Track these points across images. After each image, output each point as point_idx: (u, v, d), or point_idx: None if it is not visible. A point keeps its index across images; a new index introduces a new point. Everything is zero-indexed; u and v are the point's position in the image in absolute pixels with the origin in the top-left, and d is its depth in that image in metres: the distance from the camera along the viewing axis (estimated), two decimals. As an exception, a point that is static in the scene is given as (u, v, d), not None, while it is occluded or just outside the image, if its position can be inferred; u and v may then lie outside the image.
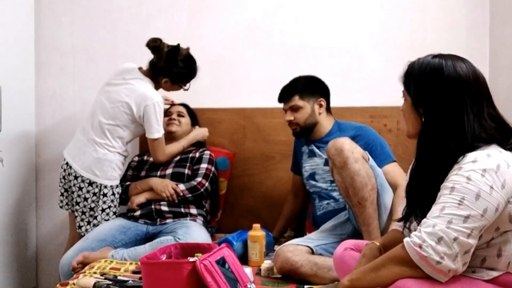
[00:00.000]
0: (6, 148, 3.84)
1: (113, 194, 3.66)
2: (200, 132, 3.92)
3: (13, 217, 3.98)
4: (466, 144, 1.90)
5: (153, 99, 3.57)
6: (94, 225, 3.60)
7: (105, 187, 3.62)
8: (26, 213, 4.18)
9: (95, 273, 2.93)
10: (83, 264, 3.19)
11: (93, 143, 3.61)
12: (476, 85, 1.97)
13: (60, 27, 4.34)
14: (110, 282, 2.68)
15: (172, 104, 4.01)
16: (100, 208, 3.60)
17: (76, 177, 3.61)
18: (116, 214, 3.70)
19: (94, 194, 3.60)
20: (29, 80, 4.24)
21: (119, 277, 2.80)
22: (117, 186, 3.69)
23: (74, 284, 2.74)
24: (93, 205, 3.61)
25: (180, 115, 3.92)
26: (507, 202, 1.83)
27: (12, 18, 3.94)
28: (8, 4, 3.86)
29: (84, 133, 3.68)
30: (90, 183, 3.60)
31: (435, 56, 2.05)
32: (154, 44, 3.64)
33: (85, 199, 3.61)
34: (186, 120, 3.93)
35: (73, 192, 3.64)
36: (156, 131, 3.59)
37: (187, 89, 3.83)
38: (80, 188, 3.61)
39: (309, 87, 3.45)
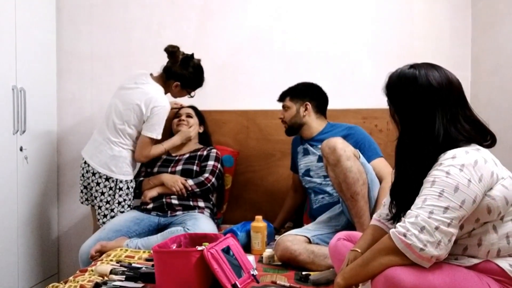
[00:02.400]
0: (30, 146, 3.85)
1: (128, 188, 3.68)
2: (182, 135, 3.86)
3: (36, 210, 3.99)
4: (441, 148, 1.91)
5: (163, 104, 3.61)
6: (112, 217, 3.62)
7: (121, 181, 3.64)
8: (49, 206, 4.19)
9: (111, 260, 2.95)
10: (101, 252, 3.21)
11: (109, 142, 3.64)
12: (449, 91, 1.98)
13: (79, 36, 4.34)
14: (125, 269, 2.69)
15: (181, 107, 4.01)
16: (116, 201, 3.62)
17: (93, 174, 3.64)
18: (131, 206, 3.72)
19: (111, 188, 3.63)
20: (51, 84, 4.24)
21: (133, 264, 2.81)
22: (131, 181, 3.71)
23: (92, 270, 2.75)
24: (109, 198, 3.63)
25: (188, 116, 3.93)
26: (484, 195, 1.84)
27: (36, 28, 3.95)
28: (31, 15, 3.87)
29: (100, 133, 3.70)
30: (107, 179, 3.62)
31: (411, 67, 2.06)
32: (173, 50, 3.66)
33: (103, 193, 3.63)
34: (194, 121, 3.93)
35: (91, 188, 3.67)
36: (155, 132, 3.61)
37: (192, 96, 3.85)
38: (98, 184, 3.64)
39: (301, 92, 3.51)
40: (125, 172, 3.66)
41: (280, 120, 3.56)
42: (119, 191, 3.64)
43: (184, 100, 4.05)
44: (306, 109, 3.45)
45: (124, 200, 3.66)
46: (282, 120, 3.53)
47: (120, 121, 3.64)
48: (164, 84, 3.73)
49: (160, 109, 3.59)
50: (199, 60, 3.77)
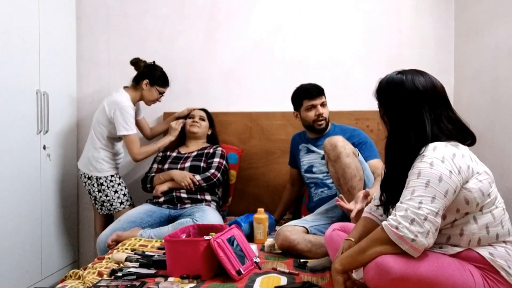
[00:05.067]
0: (52, 145, 3.86)
1: (111, 181, 3.80)
2: (174, 133, 3.91)
3: (58, 203, 3.99)
4: (425, 143, 1.92)
5: (120, 104, 3.66)
6: (104, 209, 3.81)
7: (100, 178, 3.77)
8: (69, 199, 4.19)
9: (126, 249, 2.95)
10: (117, 241, 3.23)
11: (88, 145, 3.82)
12: (433, 95, 1.99)
13: (97, 45, 4.35)
14: (139, 257, 2.70)
15: (194, 109, 4.02)
16: (102, 195, 3.78)
17: (80, 175, 3.86)
18: (125, 197, 3.86)
19: (92, 185, 3.78)
20: (71, 88, 4.24)
21: (146, 253, 2.82)
22: (112, 176, 3.81)
23: (109, 258, 2.76)
24: (94, 194, 3.80)
25: (201, 118, 3.94)
26: (461, 187, 1.85)
27: (57, 37, 3.95)
28: (53, 25, 3.87)
29: None
30: (89, 177, 3.79)
31: (399, 73, 2.06)
32: (135, 61, 3.84)
33: (89, 192, 3.84)
34: (205, 124, 3.95)
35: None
36: (124, 129, 3.65)
37: (162, 94, 3.88)
38: (85, 183, 3.83)
39: (324, 93, 3.43)
40: (100, 169, 3.78)
41: (318, 116, 3.34)
42: (100, 186, 3.76)
43: (196, 102, 4.12)
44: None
45: (115, 191, 3.80)
46: (321, 116, 3.35)
47: (96, 124, 3.78)
48: (135, 90, 3.82)
49: (121, 110, 3.64)
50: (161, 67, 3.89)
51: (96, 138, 3.76)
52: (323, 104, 3.37)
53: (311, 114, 3.36)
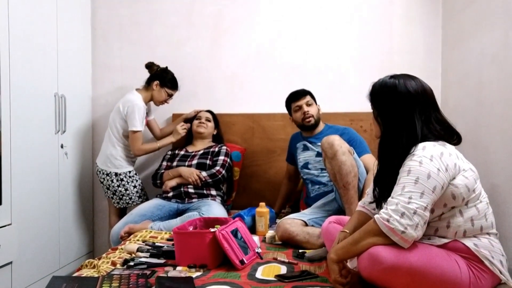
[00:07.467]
0: (69, 144, 3.87)
1: (130, 176, 3.81)
2: (176, 136, 3.88)
3: (74, 197, 4.00)
4: (416, 143, 1.92)
5: (133, 102, 3.69)
6: (121, 202, 3.80)
7: (120, 174, 3.76)
8: (85, 194, 4.19)
9: (138, 240, 2.96)
10: (129, 233, 3.24)
11: (107, 142, 3.82)
12: (423, 97, 1.99)
13: (111, 51, 4.35)
14: (150, 247, 2.70)
15: (200, 111, 4.03)
16: (122, 190, 3.77)
17: (98, 172, 3.83)
18: (142, 191, 3.88)
19: (111, 180, 3.76)
20: (87, 91, 4.25)
21: (156, 244, 2.82)
22: (129, 172, 3.82)
23: (122, 249, 2.76)
24: (113, 189, 3.78)
25: (207, 119, 3.94)
26: (448, 183, 1.85)
27: (74, 44, 3.96)
28: (70, 33, 3.88)
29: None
30: (107, 174, 3.76)
31: (391, 77, 2.06)
32: (150, 64, 3.89)
33: (107, 187, 3.80)
34: (211, 124, 3.95)
35: (103, 185, 3.85)
36: (132, 125, 3.67)
37: (170, 97, 3.90)
38: (103, 179, 3.80)
39: (312, 95, 3.49)
40: (118, 166, 3.78)
41: (304, 114, 3.41)
42: (121, 181, 3.77)
43: (202, 105, 4.14)
44: (318, 111, 3.48)
45: (134, 186, 3.81)
46: (306, 114, 3.40)
47: (112, 123, 3.78)
48: (146, 90, 3.85)
49: (134, 107, 3.66)
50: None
51: (113, 136, 3.76)
52: (308, 104, 3.43)
53: (299, 114, 3.44)
